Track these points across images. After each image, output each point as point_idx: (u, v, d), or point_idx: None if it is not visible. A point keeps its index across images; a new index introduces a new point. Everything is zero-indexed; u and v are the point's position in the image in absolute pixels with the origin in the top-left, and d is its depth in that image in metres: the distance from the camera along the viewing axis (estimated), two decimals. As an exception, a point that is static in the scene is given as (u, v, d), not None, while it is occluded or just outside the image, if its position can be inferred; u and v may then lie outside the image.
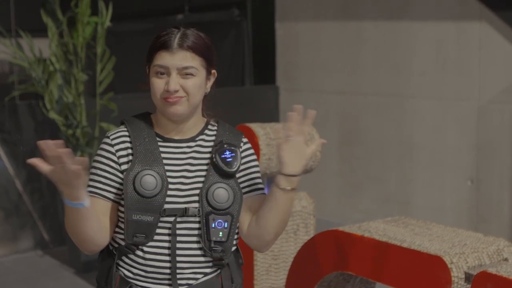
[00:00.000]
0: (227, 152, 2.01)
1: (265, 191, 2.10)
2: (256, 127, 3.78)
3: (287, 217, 2.01)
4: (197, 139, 2.05)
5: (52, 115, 4.84)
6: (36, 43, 4.98)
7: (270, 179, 3.83)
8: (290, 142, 1.93)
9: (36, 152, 5.56)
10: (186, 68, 1.95)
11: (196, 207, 1.97)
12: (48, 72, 4.82)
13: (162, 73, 1.96)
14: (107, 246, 2.06)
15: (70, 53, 4.84)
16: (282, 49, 6.56)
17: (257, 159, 2.12)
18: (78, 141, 4.86)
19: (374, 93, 5.80)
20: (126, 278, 2.01)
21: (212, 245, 1.96)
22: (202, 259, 1.99)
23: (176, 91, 1.95)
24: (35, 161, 1.77)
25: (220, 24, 6.66)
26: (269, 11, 6.59)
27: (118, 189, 2.00)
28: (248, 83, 6.69)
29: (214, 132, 2.08)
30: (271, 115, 6.47)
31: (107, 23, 4.83)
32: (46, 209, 5.43)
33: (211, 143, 2.05)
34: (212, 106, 2.12)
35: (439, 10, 5.31)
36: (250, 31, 6.67)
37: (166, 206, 1.95)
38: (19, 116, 5.32)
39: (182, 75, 1.96)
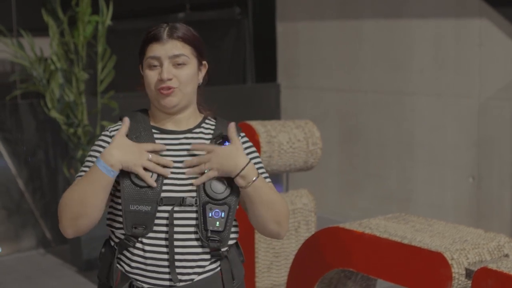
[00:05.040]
0: (226, 143, 2.02)
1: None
2: (257, 124, 3.78)
3: (270, 204, 2.00)
4: (194, 131, 2.07)
5: (54, 114, 4.85)
6: (37, 42, 4.98)
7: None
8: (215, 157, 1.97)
9: (37, 151, 5.57)
10: (177, 56, 1.99)
11: (193, 197, 1.98)
12: (49, 71, 4.83)
13: (155, 65, 2.00)
14: (109, 242, 2.08)
15: (71, 52, 4.85)
16: (283, 47, 6.57)
17: (258, 152, 2.12)
18: (79, 140, 4.87)
19: (374, 90, 5.80)
20: (126, 273, 2.01)
21: (209, 234, 1.97)
22: (199, 250, 1.99)
23: (170, 80, 1.98)
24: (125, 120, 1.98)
25: (221, 22, 6.67)
26: (270, 9, 6.60)
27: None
28: (249, 81, 6.70)
29: (213, 126, 2.10)
30: (272, 112, 6.49)
31: (108, 21, 4.84)
32: (48, 208, 5.44)
33: (210, 136, 2.07)
34: (208, 102, 2.13)
35: (438, 7, 5.32)
36: (251, 29, 6.68)
37: (163, 195, 1.97)
38: (21, 115, 5.33)
39: (175, 65, 1.99)
